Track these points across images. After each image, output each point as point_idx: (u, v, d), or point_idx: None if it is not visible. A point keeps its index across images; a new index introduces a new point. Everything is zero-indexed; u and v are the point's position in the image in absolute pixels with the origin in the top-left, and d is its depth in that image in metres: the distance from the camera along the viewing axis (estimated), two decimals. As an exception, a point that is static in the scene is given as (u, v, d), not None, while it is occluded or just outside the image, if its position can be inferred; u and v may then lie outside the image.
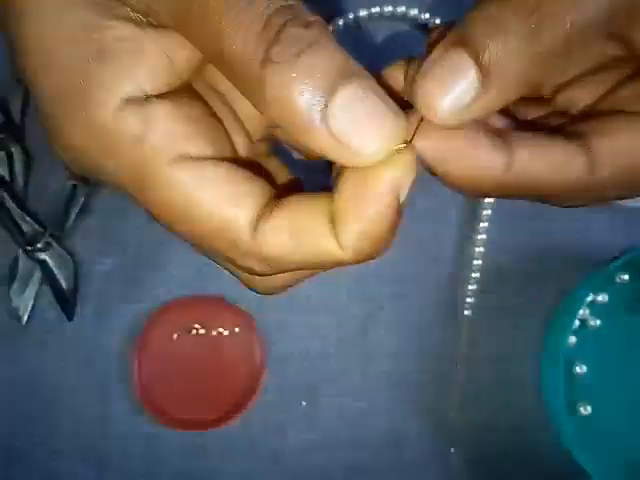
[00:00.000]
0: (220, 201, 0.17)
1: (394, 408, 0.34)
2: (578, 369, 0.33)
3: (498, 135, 0.17)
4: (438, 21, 0.36)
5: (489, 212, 0.34)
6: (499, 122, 0.19)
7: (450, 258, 0.35)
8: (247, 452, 0.34)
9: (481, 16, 0.15)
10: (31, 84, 0.17)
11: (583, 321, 0.34)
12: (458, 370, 0.34)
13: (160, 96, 0.17)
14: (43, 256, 0.34)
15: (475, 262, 0.34)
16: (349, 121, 0.15)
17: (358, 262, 0.18)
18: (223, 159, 0.18)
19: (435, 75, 0.16)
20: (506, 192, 0.18)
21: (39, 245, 0.34)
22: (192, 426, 0.34)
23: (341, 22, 0.36)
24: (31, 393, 0.35)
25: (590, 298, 0.34)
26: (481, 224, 0.34)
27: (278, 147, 0.24)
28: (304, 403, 0.35)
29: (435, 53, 0.16)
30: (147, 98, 0.17)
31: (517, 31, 0.14)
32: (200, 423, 0.34)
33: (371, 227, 0.17)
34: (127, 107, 0.17)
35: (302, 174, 0.23)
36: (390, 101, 0.16)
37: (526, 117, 0.21)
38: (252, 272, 0.19)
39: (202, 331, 0.34)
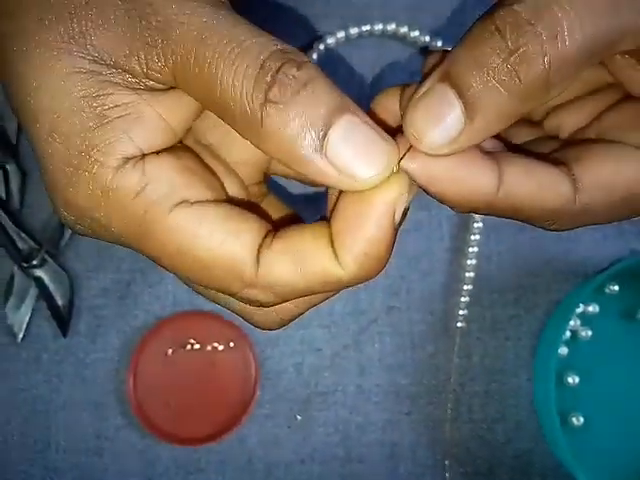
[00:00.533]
0: (222, 237, 0.18)
1: (388, 421, 0.35)
2: (570, 380, 0.34)
3: (488, 156, 0.18)
4: (427, 38, 0.36)
5: (480, 224, 0.35)
6: (488, 144, 0.20)
7: (442, 271, 0.35)
8: (242, 467, 0.35)
9: (465, 54, 0.16)
10: (36, 150, 0.19)
11: (574, 332, 0.35)
12: (452, 382, 0.34)
13: (156, 152, 0.19)
14: (38, 273, 0.35)
15: (467, 274, 0.35)
16: (346, 151, 0.17)
17: (359, 282, 0.19)
18: (220, 201, 0.19)
19: (424, 109, 0.17)
20: (497, 211, 0.18)
21: (35, 262, 0.34)
22: (188, 441, 0.34)
23: (332, 40, 0.36)
24: (26, 410, 0.35)
25: (581, 309, 0.34)
26: (472, 236, 0.35)
27: (274, 183, 0.24)
28: (299, 417, 0.35)
29: (424, 86, 0.17)
30: (145, 156, 0.18)
31: (498, 70, 0.15)
32: (196, 438, 0.34)
33: (371, 247, 0.18)
34: (126, 165, 0.18)
35: (301, 204, 0.24)
36: (380, 130, 0.17)
37: (517, 140, 0.22)
38: (257, 303, 0.19)
39: (197, 346, 0.35)
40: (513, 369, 0.35)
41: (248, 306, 0.20)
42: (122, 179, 0.18)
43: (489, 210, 0.18)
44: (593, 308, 0.34)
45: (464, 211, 0.19)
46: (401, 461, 0.34)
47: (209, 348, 0.34)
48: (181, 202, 0.18)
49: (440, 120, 0.16)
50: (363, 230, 0.18)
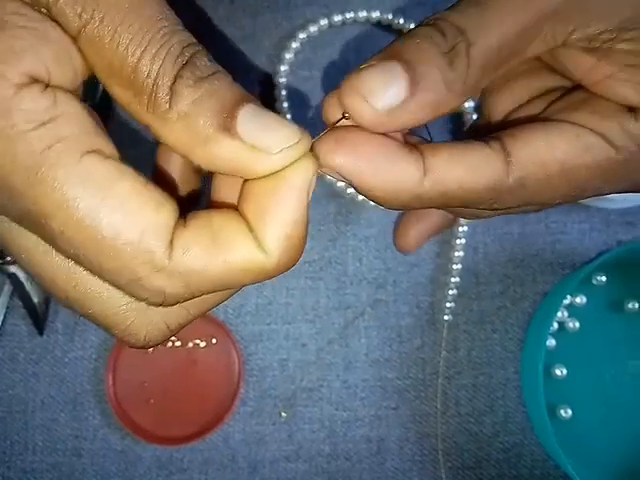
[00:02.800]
0: (136, 206, 0.16)
1: (375, 416, 0.34)
2: (558, 372, 0.33)
3: (411, 148, 0.19)
4: (412, 26, 0.36)
5: (467, 216, 0.34)
6: (414, 140, 0.20)
7: (429, 263, 0.35)
8: (227, 465, 0.34)
9: (413, 45, 0.18)
10: None
11: (562, 323, 0.34)
12: (439, 376, 0.34)
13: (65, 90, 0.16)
14: (13, 269, 0.33)
15: (454, 266, 0.34)
16: (256, 127, 0.17)
17: (281, 270, 0.18)
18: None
19: (371, 75, 0.17)
20: (426, 202, 0.19)
21: (9, 258, 0.33)
22: (169, 441, 0.33)
23: (315, 28, 0.36)
24: (2, 410, 0.34)
25: (568, 300, 0.34)
26: (459, 228, 0.34)
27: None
28: (284, 414, 0.34)
29: (369, 62, 0.18)
30: (53, 86, 0.16)
31: (440, 58, 0.17)
32: (178, 437, 0.33)
33: (293, 229, 0.18)
34: (33, 86, 0.15)
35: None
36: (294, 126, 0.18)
37: None
38: (159, 297, 0.17)
39: (178, 343, 0.34)
40: (500, 362, 0.34)
41: (128, 308, 0.18)
42: (25, 101, 0.15)
43: (418, 202, 0.18)
44: (580, 299, 0.34)
45: (393, 206, 0.19)
46: (388, 457, 0.34)
47: (191, 345, 0.34)
48: (94, 151, 0.16)
49: (388, 85, 0.17)
50: (283, 212, 0.17)
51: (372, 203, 0.35)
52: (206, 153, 0.17)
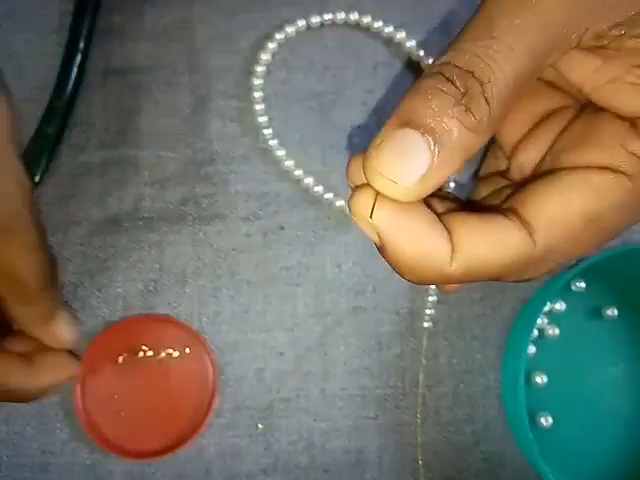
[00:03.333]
0: None
1: (354, 426, 0.33)
2: (538, 379, 0.33)
3: (439, 223, 0.18)
4: (391, 29, 0.35)
5: (446, 222, 0.34)
6: (436, 207, 0.20)
7: (408, 269, 0.34)
8: (201, 479, 0.33)
9: (422, 102, 0.17)
10: None
11: (541, 330, 0.34)
12: (419, 384, 0.33)
13: None
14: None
15: (434, 273, 0.34)
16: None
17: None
18: None
19: (390, 152, 0.17)
20: (450, 280, 0.18)
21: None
22: (142, 455, 0.32)
23: (293, 29, 0.35)
24: (-37, 425, 0.32)
25: (547, 307, 0.34)
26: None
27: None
28: (260, 426, 0.33)
29: (380, 136, 0.17)
30: None
31: (456, 109, 0.17)
32: (150, 451, 0.32)
33: None
34: None
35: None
36: None
37: (480, 196, 0.23)
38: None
39: (150, 353, 0.32)
40: (481, 369, 0.34)
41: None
42: None
43: (442, 280, 0.18)
44: (560, 306, 0.34)
45: (414, 280, 0.18)
46: (367, 467, 0.33)
47: (163, 355, 0.32)
48: None
49: (411, 159, 0.17)
50: None
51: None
52: None
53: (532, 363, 0.33)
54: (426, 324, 0.34)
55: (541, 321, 0.34)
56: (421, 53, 0.35)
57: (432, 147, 0.17)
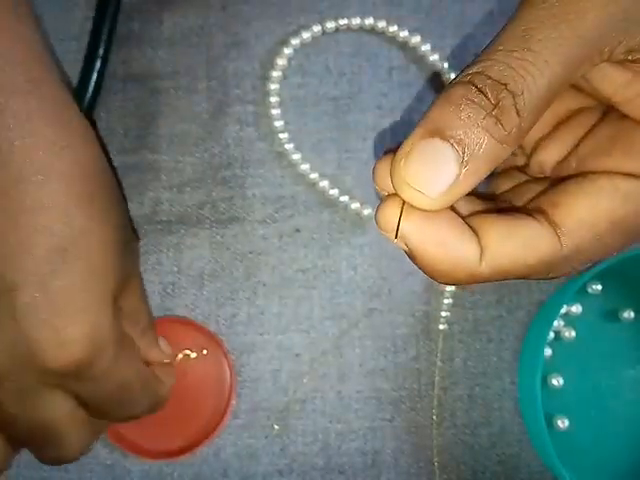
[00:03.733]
0: None
1: (370, 428, 0.33)
2: (555, 382, 0.33)
3: (467, 225, 0.19)
4: (406, 33, 0.35)
5: (461, 224, 0.34)
6: (463, 209, 0.20)
7: (423, 272, 0.34)
8: (218, 480, 0.33)
9: (452, 112, 0.17)
10: None
11: (557, 332, 0.34)
12: (434, 386, 0.33)
13: None
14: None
15: (449, 275, 0.34)
16: None
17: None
18: None
19: (418, 162, 0.17)
20: (478, 280, 0.19)
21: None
22: (159, 455, 0.32)
23: (308, 34, 0.35)
24: (-15, 425, 0.33)
25: (564, 309, 0.34)
26: (454, 237, 0.34)
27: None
28: (276, 427, 0.33)
29: (408, 144, 0.17)
30: None
31: (486, 120, 0.17)
32: (168, 451, 0.32)
33: None
34: None
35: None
36: None
37: (501, 189, 0.23)
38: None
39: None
40: (497, 372, 0.34)
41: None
42: None
43: (472, 280, 0.19)
44: (576, 308, 0.34)
45: (447, 282, 0.19)
46: (383, 469, 0.33)
47: (181, 356, 0.33)
48: None
49: (438, 170, 0.17)
50: None
51: (367, 211, 0.35)
52: None
53: (548, 365, 0.33)
54: (442, 326, 0.34)
55: (557, 323, 0.34)
56: (436, 57, 0.35)
57: (460, 159, 0.17)
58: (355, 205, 0.34)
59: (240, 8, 0.36)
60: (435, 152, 0.17)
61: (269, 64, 0.35)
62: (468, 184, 0.17)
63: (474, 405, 0.34)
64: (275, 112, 0.35)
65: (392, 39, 0.36)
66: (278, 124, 0.35)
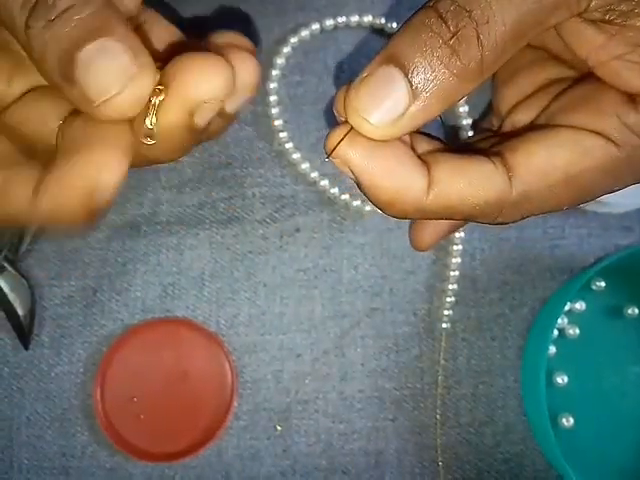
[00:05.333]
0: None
1: (373, 428, 0.33)
2: (559, 379, 0.33)
3: (418, 159, 0.18)
4: (405, 30, 0.35)
5: (463, 222, 0.34)
6: (421, 146, 0.20)
7: (425, 270, 0.34)
8: (220, 482, 0.33)
9: (409, 38, 0.17)
10: None
11: (561, 330, 0.34)
12: (438, 385, 0.33)
13: None
14: (-4, 281, 0.33)
15: (452, 273, 0.34)
16: (91, 76, 0.17)
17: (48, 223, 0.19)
18: None
19: (368, 89, 0.17)
20: (427, 214, 0.18)
21: (-9, 270, 0.32)
22: (161, 457, 0.32)
23: (307, 32, 0.35)
24: (-14, 428, 0.32)
25: (567, 306, 0.33)
26: (456, 234, 0.34)
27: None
28: (279, 427, 0.33)
29: (367, 69, 0.17)
30: None
31: (441, 50, 0.16)
32: (170, 454, 0.32)
33: (63, 213, 0.18)
34: None
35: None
36: (141, 51, 0.17)
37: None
38: None
39: (169, 356, 0.33)
40: (500, 370, 0.34)
41: None
42: None
43: (419, 212, 0.18)
44: (580, 305, 0.34)
45: (393, 212, 0.18)
46: (387, 470, 0.33)
47: (182, 357, 0.33)
48: None
49: (386, 98, 0.16)
50: (63, 197, 0.18)
51: (367, 209, 0.35)
52: (65, 94, 0.17)
53: (552, 363, 0.33)
54: (444, 325, 0.34)
55: (561, 321, 0.33)
56: (435, 54, 0.35)
57: (410, 89, 0.16)
58: (356, 203, 0.34)
59: (238, 6, 0.35)
60: (387, 80, 0.16)
61: (268, 63, 0.35)
62: (418, 118, 0.17)
63: (478, 404, 0.33)
64: (274, 111, 0.34)
65: (391, 36, 0.36)
66: (277, 123, 0.34)
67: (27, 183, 0.18)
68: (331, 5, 0.36)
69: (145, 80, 0.17)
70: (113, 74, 0.16)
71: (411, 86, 0.16)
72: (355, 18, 0.35)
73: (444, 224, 0.28)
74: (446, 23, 0.16)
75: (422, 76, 0.16)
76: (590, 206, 0.34)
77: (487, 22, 0.16)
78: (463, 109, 0.34)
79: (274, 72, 0.35)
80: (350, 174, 0.18)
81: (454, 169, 0.18)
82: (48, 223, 0.19)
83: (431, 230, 0.29)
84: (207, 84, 0.18)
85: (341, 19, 0.35)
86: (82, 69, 0.16)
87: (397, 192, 0.18)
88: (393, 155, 0.18)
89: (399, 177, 0.18)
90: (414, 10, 0.37)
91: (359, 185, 0.18)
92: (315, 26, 0.35)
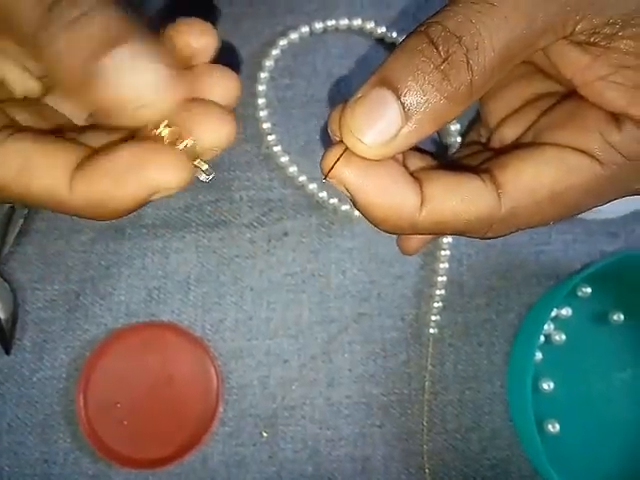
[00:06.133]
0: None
1: (360, 434, 0.33)
2: (545, 386, 0.33)
3: (411, 177, 0.19)
4: (395, 35, 0.35)
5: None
6: (413, 163, 0.20)
7: (413, 275, 0.34)
8: (205, 488, 0.32)
9: (402, 62, 0.17)
10: None
11: (547, 336, 0.34)
12: (425, 391, 0.33)
13: None
14: (-23, 284, 0.32)
15: (439, 278, 0.34)
16: (120, 79, 0.16)
17: (81, 215, 0.18)
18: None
19: (362, 110, 0.17)
20: (421, 230, 0.19)
21: (-27, 273, 0.32)
22: (144, 464, 0.32)
23: (296, 35, 0.35)
24: (-35, 435, 0.32)
25: (554, 312, 0.33)
26: (444, 240, 0.34)
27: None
28: (265, 434, 0.33)
29: (362, 90, 0.17)
30: None
31: (432, 74, 0.17)
32: (154, 461, 0.32)
33: (110, 202, 0.18)
34: None
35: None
36: (168, 63, 0.17)
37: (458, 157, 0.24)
38: None
39: (154, 361, 0.32)
40: (487, 376, 0.34)
41: None
42: None
43: (413, 229, 0.19)
44: (566, 311, 0.34)
45: (387, 228, 0.19)
46: (374, 476, 0.33)
47: (167, 362, 0.32)
48: None
49: (379, 119, 0.17)
50: (113, 186, 0.17)
51: (356, 214, 0.34)
52: (80, 100, 0.17)
53: (538, 369, 0.33)
54: (432, 330, 0.33)
55: (547, 327, 0.34)
56: (424, 59, 0.35)
57: (402, 111, 0.17)
58: (345, 207, 0.34)
59: (227, 9, 0.35)
60: (380, 102, 0.17)
61: (256, 65, 0.35)
62: (410, 139, 0.17)
63: (465, 410, 0.33)
64: (262, 114, 0.34)
65: (380, 40, 0.36)
66: (265, 126, 0.34)
67: (66, 163, 0.18)
68: (321, 8, 0.36)
69: (178, 88, 0.17)
70: (146, 79, 0.16)
71: (404, 108, 0.17)
72: (345, 22, 0.35)
73: None
74: (437, 49, 0.17)
75: (414, 99, 0.17)
76: (577, 212, 0.34)
77: (476, 48, 0.17)
78: (454, 127, 0.34)
79: (263, 75, 0.34)
80: (346, 192, 0.19)
81: (446, 186, 0.19)
82: (79, 211, 0.18)
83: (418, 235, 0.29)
84: (215, 135, 0.19)
85: (331, 22, 0.35)
86: (113, 71, 0.16)
87: (391, 209, 0.18)
88: (387, 174, 0.18)
89: (393, 195, 0.18)
90: (403, 14, 0.37)
91: (354, 203, 0.19)
92: (305, 29, 0.35)
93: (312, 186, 0.34)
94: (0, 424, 0.32)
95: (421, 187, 0.19)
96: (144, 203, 0.18)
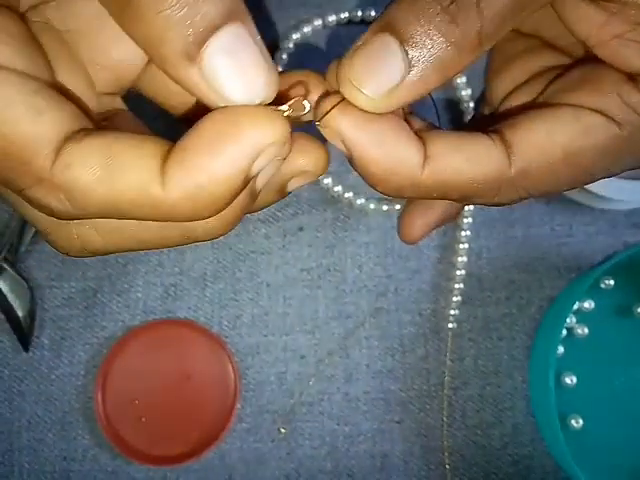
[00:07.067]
0: (22, 110, 0.15)
1: (378, 430, 0.33)
2: (568, 380, 0.32)
3: (414, 134, 0.18)
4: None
5: (470, 220, 0.33)
6: (417, 123, 0.19)
7: (431, 269, 0.34)
8: (224, 485, 0.32)
9: (406, 6, 0.16)
10: None
11: (570, 329, 0.33)
12: (444, 387, 0.33)
13: None
14: (-5, 283, 0.32)
15: (457, 272, 0.33)
16: (224, 67, 0.15)
17: (179, 215, 0.16)
18: (35, 77, 0.16)
19: (362, 58, 0.16)
20: (424, 191, 0.18)
21: (-10, 272, 0.32)
22: (163, 461, 0.32)
23: (309, 28, 0.35)
24: (-14, 432, 0.32)
25: (576, 305, 0.33)
26: (462, 232, 0.33)
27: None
28: (283, 430, 0.32)
29: (362, 38, 0.16)
30: None
31: (438, 18, 0.15)
32: (172, 457, 0.32)
33: (208, 182, 0.15)
34: None
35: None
36: (266, 54, 0.16)
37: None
38: (47, 210, 0.16)
39: (171, 357, 0.32)
40: (508, 371, 0.33)
41: (43, 216, 0.16)
42: None
43: (415, 190, 0.17)
44: (588, 304, 0.33)
45: (386, 189, 0.17)
46: (393, 472, 0.32)
47: (184, 359, 0.32)
48: None
49: (381, 68, 0.16)
50: (211, 159, 0.15)
51: (372, 207, 0.34)
52: (172, 77, 0.15)
53: (561, 363, 0.33)
54: (450, 325, 0.33)
55: (569, 320, 0.33)
56: (440, 49, 0.34)
57: (406, 58, 0.15)
58: (360, 201, 0.33)
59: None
60: (383, 49, 0.15)
61: (269, 59, 0.34)
62: (414, 89, 0.16)
63: (485, 405, 0.33)
64: (276, 108, 0.34)
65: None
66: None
67: (155, 153, 0.15)
68: (333, 1, 0.35)
69: (274, 83, 0.16)
70: (247, 70, 0.15)
71: (407, 55, 0.15)
72: (357, 13, 0.35)
73: (434, 215, 0.27)
74: None
75: (419, 45, 0.15)
76: (598, 203, 0.33)
77: None
78: (461, 80, 0.33)
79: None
80: (341, 146, 0.17)
81: (451, 144, 0.17)
82: (176, 208, 0.15)
83: (421, 222, 0.28)
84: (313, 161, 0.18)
85: (343, 15, 0.35)
86: (214, 57, 0.15)
87: (391, 166, 0.17)
88: (387, 127, 0.17)
89: (394, 150, 0.17)
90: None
91: (351, 159, 0.17)
92: (317, 22, 0.35)
93: (327, 180, 0.33)
94: (19, 421, 0.32)
95: (424, 145, 0.17)
96: (247, 180, 0.15)
